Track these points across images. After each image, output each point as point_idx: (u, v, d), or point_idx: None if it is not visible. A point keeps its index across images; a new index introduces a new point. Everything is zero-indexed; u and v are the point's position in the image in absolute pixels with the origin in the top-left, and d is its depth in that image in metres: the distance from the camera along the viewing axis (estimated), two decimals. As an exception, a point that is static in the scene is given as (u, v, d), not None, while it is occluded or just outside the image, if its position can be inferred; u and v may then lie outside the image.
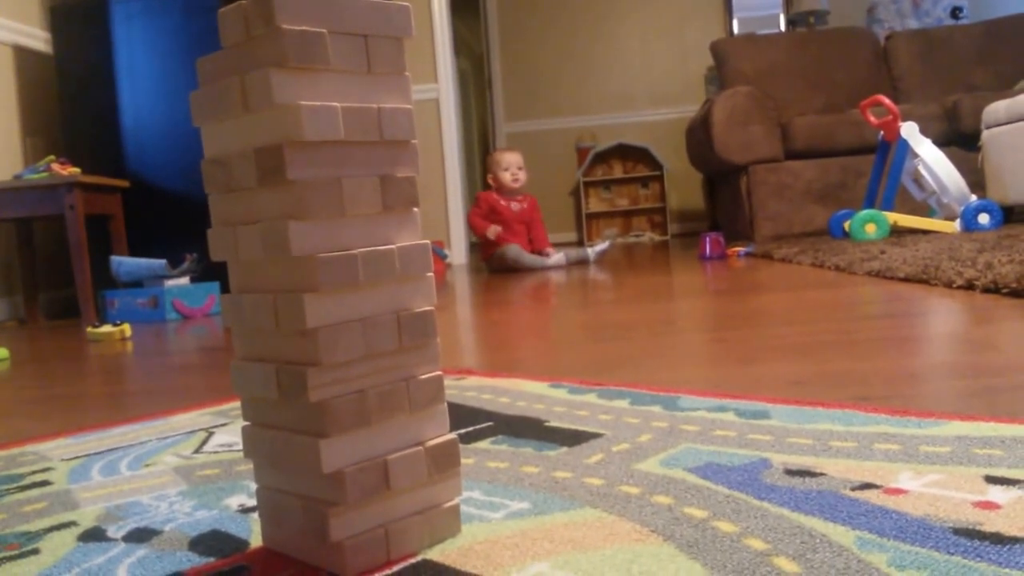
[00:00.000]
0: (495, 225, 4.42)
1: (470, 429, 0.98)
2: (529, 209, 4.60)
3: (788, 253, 3.38)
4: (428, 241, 0.64)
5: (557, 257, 4.43)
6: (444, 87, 5.44)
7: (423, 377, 0.64)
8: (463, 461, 0.84)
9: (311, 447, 0.58)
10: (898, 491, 0.65)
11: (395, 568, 0.59)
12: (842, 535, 0.58)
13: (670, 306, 2.14)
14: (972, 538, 0.55)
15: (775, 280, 2.57)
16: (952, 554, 0.53)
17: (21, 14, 3.85)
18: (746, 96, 4.85)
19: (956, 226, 3.74)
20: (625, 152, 7.82)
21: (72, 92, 3.77)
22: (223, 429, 1.10)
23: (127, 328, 2.57)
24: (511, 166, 4.52)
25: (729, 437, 0.85)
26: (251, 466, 0.91)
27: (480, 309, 2.50)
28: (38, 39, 3.93)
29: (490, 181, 4.60)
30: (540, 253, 4.51)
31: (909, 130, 3.83)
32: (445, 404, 0.65)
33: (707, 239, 3.97)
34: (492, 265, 4.47)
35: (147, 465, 0.95)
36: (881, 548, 0.55)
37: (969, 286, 1.89)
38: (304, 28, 0.57)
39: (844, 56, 5.55)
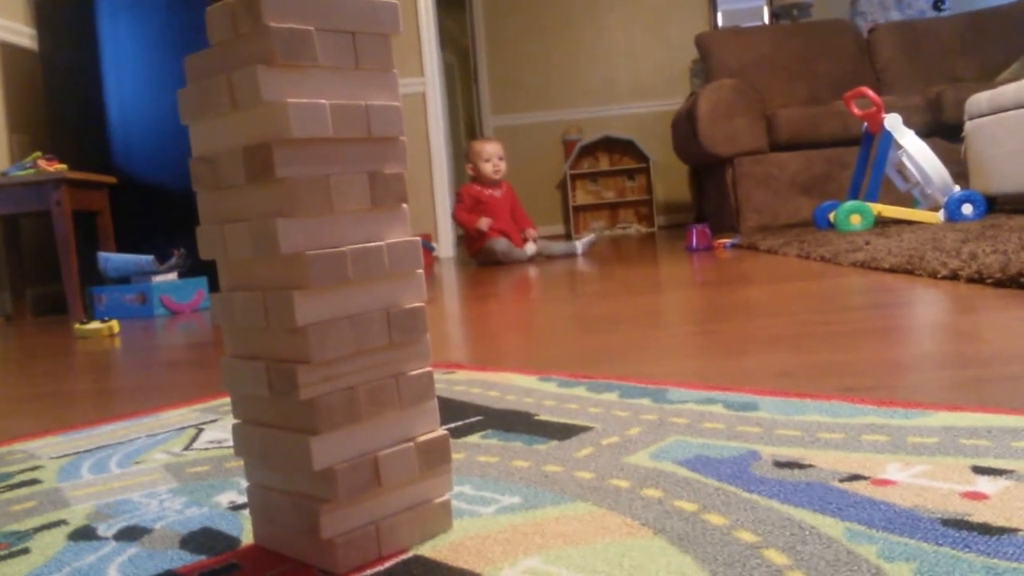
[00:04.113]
0: (484, 217, 4.43)
1: (460, 423, 0.98)
2: (508, 195, 4.63)
3: (774, 244, 3.39)
4: (418, 237, 0.64)
5: (531, 247, 4.49)
6: (430, 81, 5.43)
7: (413, 373, 0.64)
8: (453, 456, 0.84)
9: (302, 444, 0.58)
10: (886, 482, 0.66)
11: (386, 564, 0.59)
12: (831, 527, 0.58)
13: (657, 298, 2.14)
14: (960, 529, 0.56)
15: (761, 271, 2.58)
16: (941, 545, 0.53)
17: (6, 10, 3.83)
18: (731, 89, 4.85)
19: (940, 216, 3.76)
20: (611, 145, 7.83)
21: (58, 88, 3.75)
22: (213, 425, 1.10)
23: (115, 324, 2.56)
24: (492, 156, 4.53)
25: (718, 429, 0.85)
26: (241, 463, 0.90)
27: (469, 302, 2.50)
28: (23, 35, 3.90)
29: (469, 171, 4.61)
30: (523, 236, 4.57)
31: (893, 121, 3.85)
32: (435, 400, 0.65)
33: (693, 231, 3.98)
34: (480, 258, 4.47)
35: (137, 463, 0.95)
36: (870, 539, 0.55)
37: (953, 276, 1.90)
38: (291, 25, 0.57)
39: (828, 48, 5.56)
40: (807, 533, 0.57)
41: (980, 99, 4.00)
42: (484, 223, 4.40)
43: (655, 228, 7.70)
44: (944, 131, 4.66)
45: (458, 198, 4.60)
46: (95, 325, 2.54)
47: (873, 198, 3.91)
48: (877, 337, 1.31)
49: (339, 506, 0.59)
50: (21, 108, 3.86)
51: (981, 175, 4.00)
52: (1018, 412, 0.81)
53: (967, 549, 0.53)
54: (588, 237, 4.79)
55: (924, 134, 4.34)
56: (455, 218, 4.62)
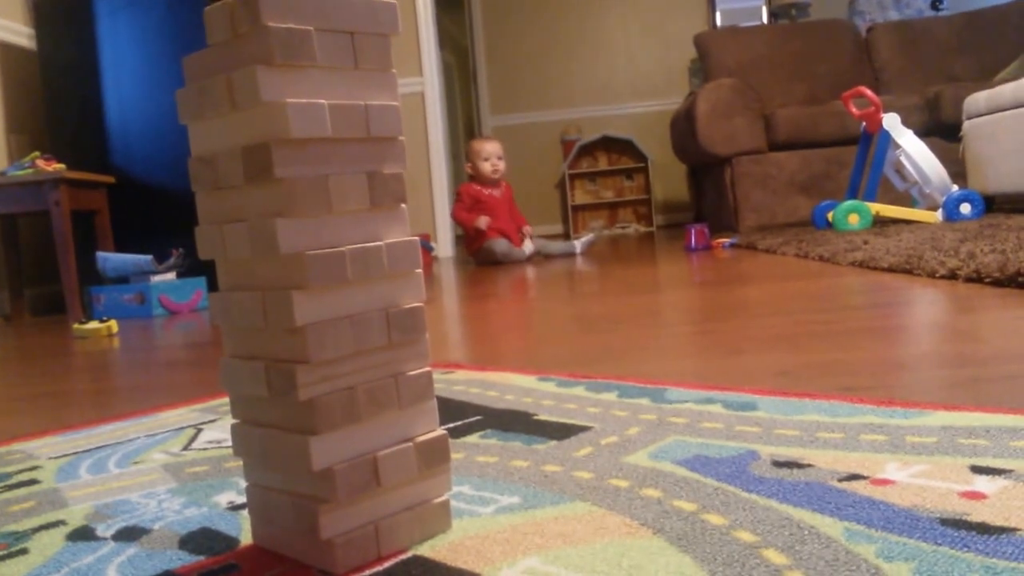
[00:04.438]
0: (483, 216, 4.43)
1: (459, 423, 0.98)
2: (507, 194, 4.64)
3: (772, 244, 3.39)
4: (417, 237, 0.64)
5: (528, 246, 4.50)
6: (429, 81, 5.43)
7: (412, 373, 0.64)
8: (452, 456, 0.84)
9: (301, 445, 0.58)
10: (885, 482, 0.66)
11: (385, 564, 0.59)
12: (830, 526, 0.58)
13: (656, 298, 2.14)
14: (959, 528, 0.56)
15: (760, 271, 2.58)
16: (939, 544, 0.53)
17: (4, 10, 3.82)
18: (729, 88, 4.85)
19: (938, 216, 3.76)
20: (610, 144, 7.82)
21: (56, 88, 3.74)
22: (211, 425, 1.10)
23: (113, 324, 2.56)
24: (491, 156, 4.54)
25: (717, 429, 0.85)
26: (240, 463, 0.90)
27: (468, 302, 2.50)
28: (21, 35, 3.90)
29: (468, 171, 4.62)
30: (519, 234, 4.58)
31: (891, 121, 3.85)
32: (434, 400, 0.65)
33: (692, 230, 3.98)
34: (479, 258, 4.47)
35: (136, 463, 0.95)
36: (869, 539, 0.55)
37: (952, 276, 1.90)
38: (290, 25, 0.57)
39: (826, 48, 5.57)
40: (806, 533, 0.57)
41: (978, 99, 4.00)
42: (483, 222, 4.41)
43: (654, 228, 7.70)
44: (942, 130, 4.66)
45: (457, 197, 4.60)
46: (94, 325, 2.53)
47: (871, 197, 3.91)
48: (876, 337, 1.31)
49: (338, 506, 0.59)
50: (19, 108, 3.86)
51: (979, 174, 4.00)
52: (1016, 412, 0.81)
53: (966, 548, 0.53)
54: (587, 237, 4.80)
55: (922, 133, 4.34)
56: (454, 217, 4.62)
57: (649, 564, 0.55)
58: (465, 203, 4.52)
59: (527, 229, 4.64)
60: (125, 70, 3.68)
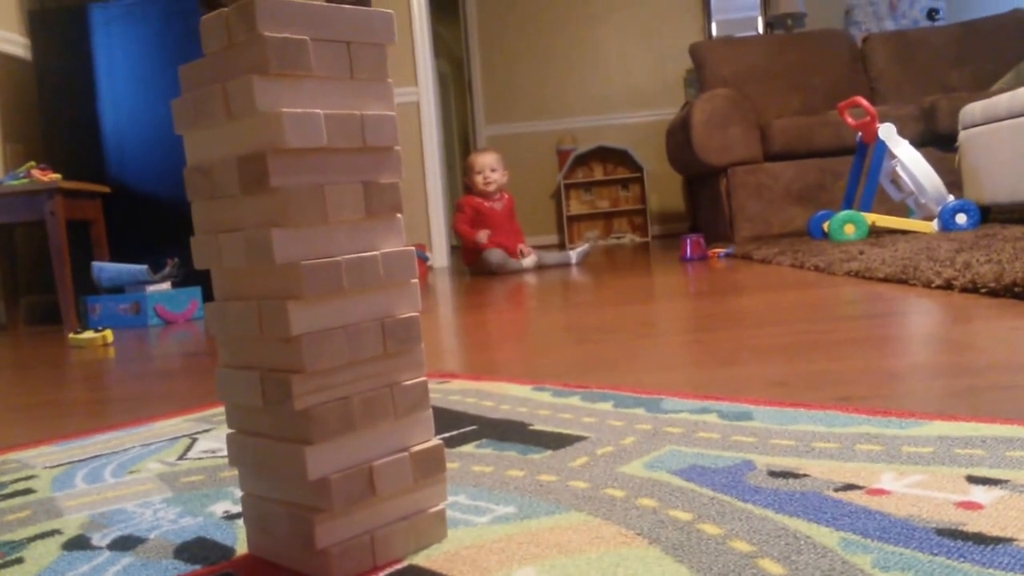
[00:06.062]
0: (483, 230, 4.43)
1: (454, 433, 0.98)
2: (508, 206, 4.64)
3: (768, 254, 3.39)
4: (412, 247, 0.64)
5: (530, 259, 4.49)
6: (424, 90, 5.44)
7: (407, 383, 0.64)
8: (448, 466, 0.84)
9: (296, 454, 0.58)
10: (881, 492, 0.66)
11: (381, 574, 0.59)
12: (826, 536, 0.58)
13: (652, 308, 2.14)
14: (955, 539, 0.56)
15: (755, 281, 2.58)
16: (936, 555, 0.53)
17: (0, 20, 3.83)
18: (725, 99, 4.87)
19: (934, 226, 3.77)
20: (605, 154, 7.83)
21: (52, 98, 3.75)
22: (207, 435, 1.10)
23: (109, 334, 2.56)
24: (484, 168, 4.54)
25: (713, 439, 0.85)
26: (235, 472, 0.90)
27: (463, 312, 2.50)
28: (17, 44, 3.90)
29: (467, 182, 4.64)
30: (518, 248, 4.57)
31: (887, 131, 3.86)
32: (430, 410, 0.65)
33: (688, 241, 3.98)
34: (475, 269, 4.48)
35: (131, 472, 0.94)
36: (865, 549, 0.55)
37: (947, 286, 1.90)
38: (286, 35, 0.57)
39: (822, 58, 5.58)
40: (802, 543, 0.57)
41: (974, 109, 4.01)
42: (483, 236, 4.41)
43: (649, 238, 7.70)
44: (938, 141, 4.67)
45: (458, 208, 4.60)
46: (89, 335, 2.53)
47: (867, 208, 3.92)
48: (871, 347, 1.31)
49: (333, 516, 0.59)
50: (15, 118, 3.86)
51: (975, 185, 4.01)
52: (1013, 422, 0.81)
53: (962, 559, 0.53)
54: (582, 247, 4.80)
55: (918, 144, 4.35)
56: (455, 229, 4.63)
57: (645, 574, 0.55)
58: (467, 215, 4.52)
59: (525, 249, 4.61)
60: (121, 80, 3.68)
